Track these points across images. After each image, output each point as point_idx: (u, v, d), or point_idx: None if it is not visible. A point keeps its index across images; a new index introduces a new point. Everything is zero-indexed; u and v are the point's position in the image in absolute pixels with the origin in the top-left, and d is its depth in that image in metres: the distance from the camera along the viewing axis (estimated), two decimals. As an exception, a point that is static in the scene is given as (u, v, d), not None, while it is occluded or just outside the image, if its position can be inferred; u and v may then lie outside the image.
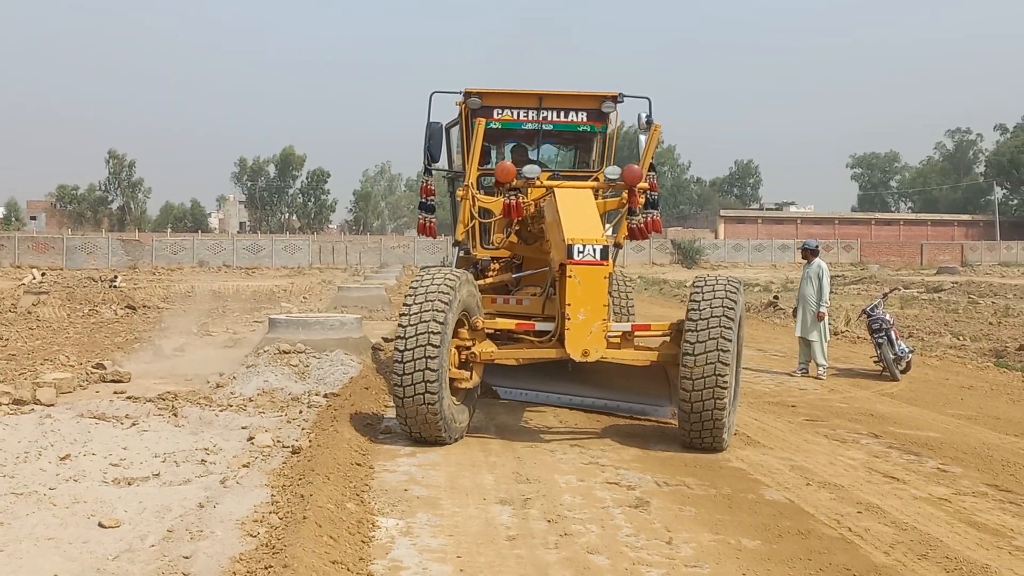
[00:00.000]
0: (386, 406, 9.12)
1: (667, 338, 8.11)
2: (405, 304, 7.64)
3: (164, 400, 8.76)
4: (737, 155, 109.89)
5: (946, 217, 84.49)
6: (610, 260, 7.90)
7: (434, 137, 10.22)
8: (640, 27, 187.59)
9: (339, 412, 8.33)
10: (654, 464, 7.19)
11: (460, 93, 10.33)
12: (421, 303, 7.53)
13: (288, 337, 10.73)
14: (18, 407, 8.39)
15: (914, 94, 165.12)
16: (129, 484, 5.96)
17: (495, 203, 9.06)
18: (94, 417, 7.80)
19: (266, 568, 4.33)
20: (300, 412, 8.37)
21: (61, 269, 47.79)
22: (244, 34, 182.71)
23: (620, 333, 8.14)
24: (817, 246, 12.92)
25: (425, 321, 7.42)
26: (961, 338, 16.77)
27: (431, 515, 5.67)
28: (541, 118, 10.31)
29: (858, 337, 16.33)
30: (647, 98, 10.21)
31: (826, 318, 12.31)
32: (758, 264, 64.42)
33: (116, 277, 37.31)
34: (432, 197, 10.57)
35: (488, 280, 9.93)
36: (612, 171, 8.69)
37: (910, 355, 12.38)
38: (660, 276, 45.46)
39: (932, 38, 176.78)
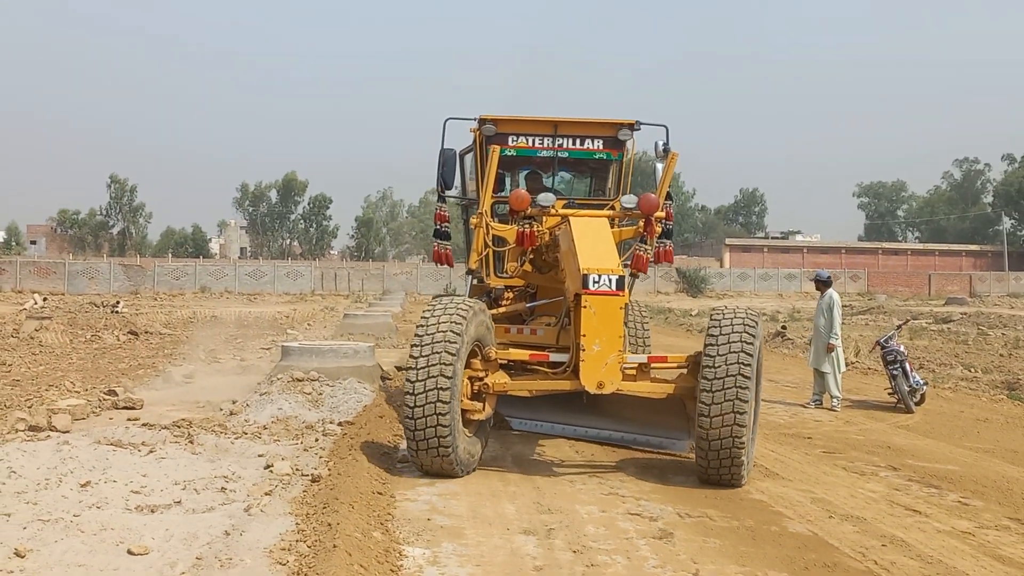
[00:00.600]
0: (399, 436, 9.06)
1: (684, 370, 8.04)
2: (416, 335, 7.52)
3: (179, 427, 8.75)
4: (742, 183, 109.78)
5: (954, 247, 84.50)
6: (626, 290, 7.78)
7: (447, 164, 10.21)
8: (641, 52, 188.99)
9: (355, 441, 8.31)
10: (674, 496, 7.16)
11: (474, 119, 10.32)
12: (433, 334, 7.41)
13: (301, 365, 10.71)
14: (34, 434, 8.39)
15: (921, 123, 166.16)
16: (152, 511, 5.94)
17: (509, 231, 9.04)
18: (111, 444, 7.78)
19: (300, 597, 4.31)
20: (316, 440, 8.35)
21: (63, 294, 47.80)
22: (248, 58, 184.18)
23: (636, 365, 8.04)
24: (829, 277, 12.94)
25: (437, 352, 7.29)
26: (972, 370, 16.73)
27: (456, 544, 5.64)
28: (556, 145, 10.30)
29: (869, 368, 16.31)
30: (664, 126, 10.13)
31: (838, 349, 12.31)
32: (764, 293, 64.41)
33: (118, 302, 37.31)
34: (446, 224, 10.54)
35: (502, 309, 9.85)
36: (629, 200, 8.67)
37: (924, 387, 12.38)
38: (665, 305, 45.42)
39: (938, 65, 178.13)
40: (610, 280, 7.44)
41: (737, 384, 7.18)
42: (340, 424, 9.08)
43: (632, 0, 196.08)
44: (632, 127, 10.20)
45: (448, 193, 10.55)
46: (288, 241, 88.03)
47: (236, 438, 8.36)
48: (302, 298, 50.54)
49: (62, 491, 6.30)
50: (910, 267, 77.41)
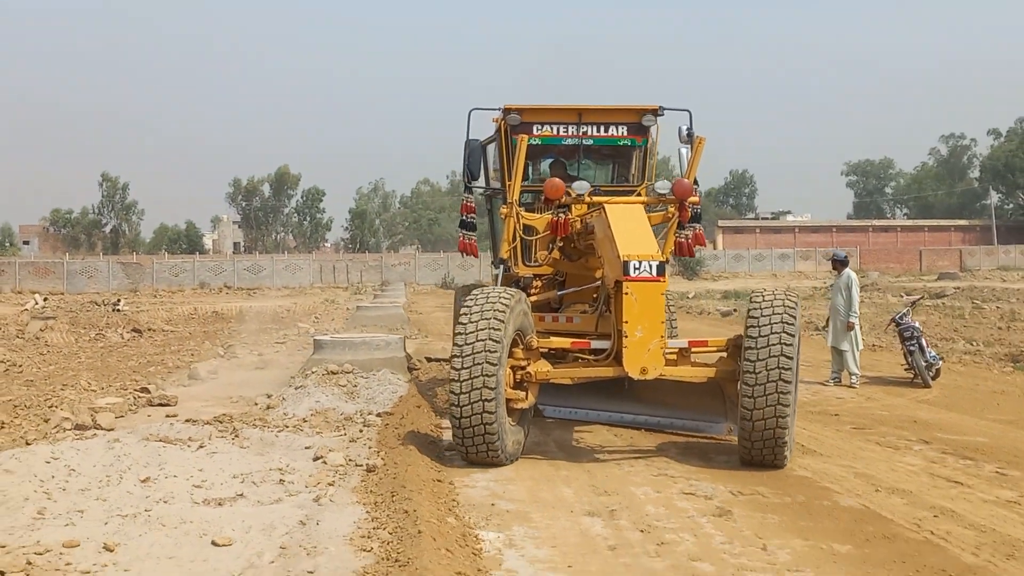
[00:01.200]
0: (440, 426, 9.17)
1: (724, 354, 8.17)
2: (460, 323, 7.60)
3: (222, 422, 8.85)
4: (731, 165, 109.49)
5: (943, 223, 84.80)
6: (666, 276, 7.83)
7: (473, 155, 10.30)
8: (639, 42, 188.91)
9: (399, 431, 8.44)
10: (723, 476, 7.31)
11: (499, 110, 10.41)
12: (477, 321, 7.48)
13: (334, 358, 10.84)
14: (82, 432, 8.50)
15: (907, 100, 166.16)
16: (219, 504, 6.06)
17: (539, 220, 9.13)
18: (160, 440, 7.88)
19: (395, 581, 4.44)
20: (361, 431, 8.48)
21: (62, 294, 47.65)
22: (237, 52, 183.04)
23: (677, 350, 8.15)
24: (846, 257, 13.11)
25: (482, 340, 7.36)
26: (974, 343, 16.96)
27: (527, 528, 5.79)
28: (581, 133, 10.40)
29: (875, 345, 16.50)
30: (687, 111, 10.22)
31: (857, 327, 12.50)
32: (758, 274, 64.63)
33: (119, 301, 37.29)
34: (472, 215, 10.61)
35: (533, 297, 9.91)
36: (662, 185, 8.77)
37: (940, 362, 12.59)
38: (661, 288, 45.44)
39: (922, 44, 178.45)
40: (651, 266, 7.52)
41: (780, 365, 7.26)
42: (379, 415, 9.21)
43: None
44: (656, 113, 10.27)
45: (474, 184, 10.65)
46: (282, 235, 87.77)
47: (279, 431, 8.48)
48: (301, 291, 50.54)
49: (125, 487, 6.41)
50: (900, 244, 77.75)
